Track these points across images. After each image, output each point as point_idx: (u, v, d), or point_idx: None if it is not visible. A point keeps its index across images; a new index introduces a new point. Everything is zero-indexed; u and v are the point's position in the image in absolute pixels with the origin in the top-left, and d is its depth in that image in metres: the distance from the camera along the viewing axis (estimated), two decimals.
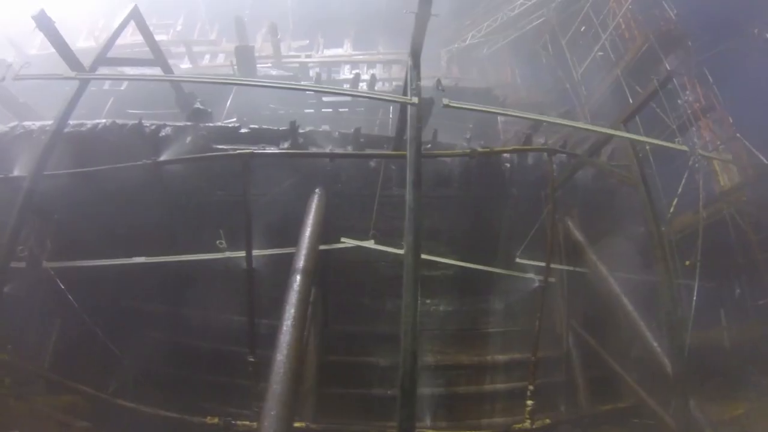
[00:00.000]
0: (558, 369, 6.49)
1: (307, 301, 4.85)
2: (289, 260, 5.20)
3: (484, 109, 5.91)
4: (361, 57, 12.32)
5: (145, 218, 5.93)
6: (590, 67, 11.20)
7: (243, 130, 6.22)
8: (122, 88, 9.95)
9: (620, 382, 6.28)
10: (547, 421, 6.04)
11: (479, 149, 6.10)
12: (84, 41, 12.38)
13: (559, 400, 6.43)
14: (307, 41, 12.45)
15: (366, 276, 6.68)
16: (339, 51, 12.44)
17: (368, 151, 6.36)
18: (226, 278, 5.77)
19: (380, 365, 6.50)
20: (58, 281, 5.66)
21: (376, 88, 10.44)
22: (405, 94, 5.43)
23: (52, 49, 11.72)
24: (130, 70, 7.88)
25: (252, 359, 5.30)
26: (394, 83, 11.53)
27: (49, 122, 6.23)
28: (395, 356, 5.87)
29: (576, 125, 7.10)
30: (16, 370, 5.47)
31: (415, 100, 4.64)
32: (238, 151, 5.20)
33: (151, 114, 7.93)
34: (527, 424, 5.80)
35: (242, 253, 5.24)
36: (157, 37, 8.94)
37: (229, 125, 6.18)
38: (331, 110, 9.96)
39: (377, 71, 11.83)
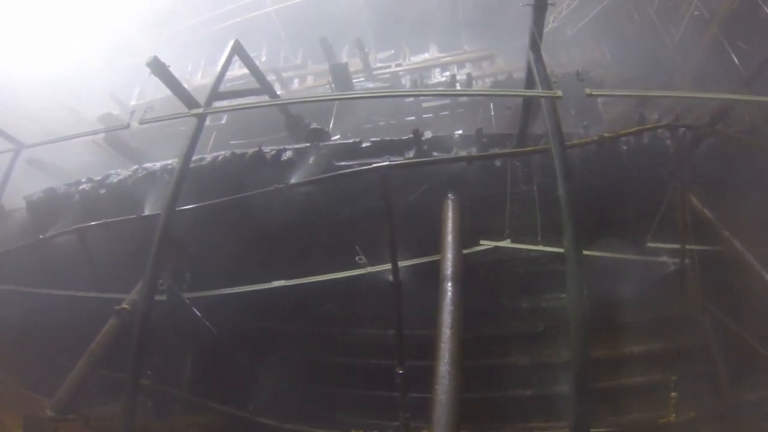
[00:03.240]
0: (698, 358, 5.96)
1: (461, 307, 4.74)
2: (427, 269, 5.31)
3: (628, 93, 6.21)
4: (448, 58, 11.88)
5: (277, 242, 5.94)
6: (683, 31, 10.12)
7: (365, 144, 6.05)
8: (222, 122, 10.17)
9: None
10: (692, 414, 5.56)
11: (606, 134, 5.85)
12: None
13: (701, 391, 5.87)
14: (393, 51, 12.23)
15: (501, 276, 6.37)
16: (426, 56, 12.09)
17: (510, 150, 6.03)
18: (365, 292, 5.75)
19: (519, 366, 6.19)
20: (195, 310, 5.85)
21: (473, 86, 10.04)
22: (529, 88, 5.71)
23: (149, 99, 12.41)
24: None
25: (401, 371, 5.19)
26: (487, 80, 11.00)
27: (169, 161, 6.38)
28: (534, 356, 6.00)
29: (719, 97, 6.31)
30: (156, 394, 5.99)
31: (560, 93, 4.67)
32: (374, 165, 5.06)
33: (256, 142, 8.01)
34: (672, 418, 5.43)
35: (385, 267, 5.27)
36: (245, 71, 9.06)
37: (350, 141, 5.96)
38: (431, 115, 9.64)
39: (468, 70, 11.31)
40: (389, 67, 11.29)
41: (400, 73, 11.14)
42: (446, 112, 9.76)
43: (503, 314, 6.44)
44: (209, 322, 5.87)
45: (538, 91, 5.19)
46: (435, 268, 5.31)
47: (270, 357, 6.24)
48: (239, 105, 5.64)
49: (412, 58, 11.91)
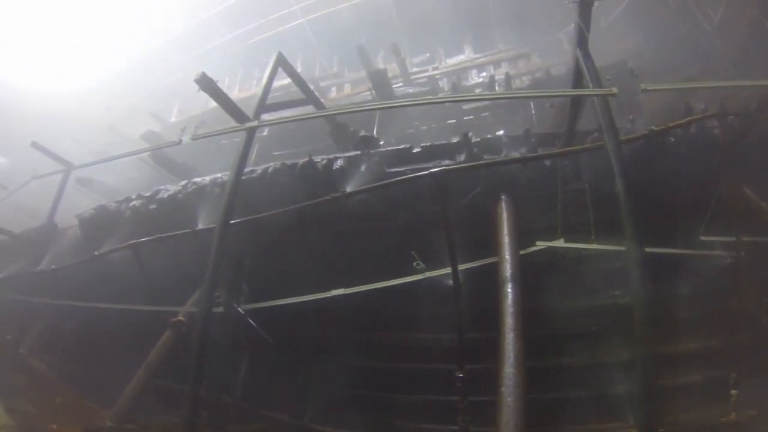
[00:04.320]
0: (757, 354, 5.69)
1: (522, 308, 4.71)
2: (482, 271, 5.30)
3: (683, 86, 6.12)
4: (484, 59, 11.75)
5: (332, 250, 5.94)
6: (722, 14, 9.73)
7: (415, 150, 5.98)
8: (264, 134, 10.25)
9: None
10: (753, 412, 5.38)
11: (655, 128, 5.69)
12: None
13: (762, 388, 5.56)
14: (428, 54, 12.16)
15: (553, 276, 6.17)
16: (461, 57, 11.97)
17: (564, 148, 5.91)
18: (421, 297, 5.72)
19: (574, 366, 6.04)
20: (251, 321, 5.89)
21: (512, 85, 9.90)
22: (577, 86, 5.77)
23: (188, 116, 12.62)
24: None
25: (461, 374, 5.19)
26: (524, 78, 10.84)
27: (218, 175, 6.45)
28: (589, 356, 5.84)
29: None
30: (211, 403, 5.98)
31: (615, 90, 4.73)
32: (430, 170, 5.01)
33: (299, 152, 8.06)
34: (732, 416, 5.32)
35: (443, 271, 5.27)
36: (284, 82, 9.13)
37: (401, 147, 5.94)
38: (472, 117, 9.51)
39: (505, 69, 11.17)
40: (426, 71, 11.22)
41: (437, 76, 11.06)
42: (486, 113, 9.60)
43: (556, 314, 6.27)
44: (265, 332, 5.90)
45: (594, 90, 5.15)
46: (490, 270, 5.26)
47: (326, 364, 6.25)
48: (291, 117, 5.65)
49: (447, 61, 11.81)
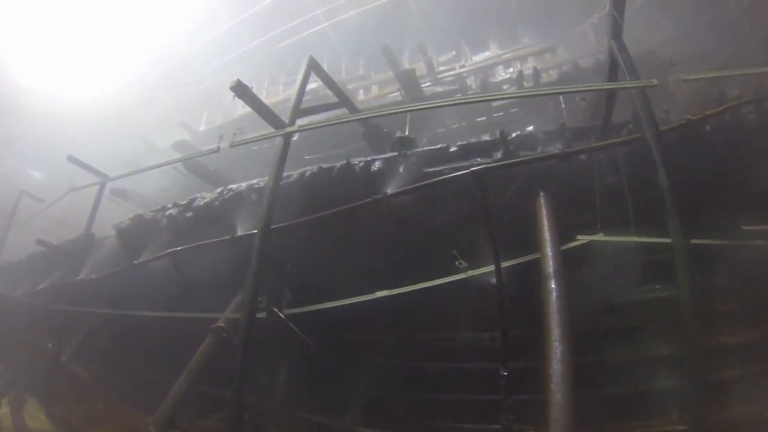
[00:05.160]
0: None
1: (567, 304, 4.66)
2: (523, 268, 5.24)
3: (723, 74, 5.73)
4: (510, 54, 11.63)
5: (372, 252, 5.90)
6: None
7: (452, 149, 5.93)
8: (295, 138, 10.23)
9: None
10: None
11: (692, 117, 5.57)
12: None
13: None
14: (453, 52, 12.08)
15: (592, 271, 5.91)
16: (487, 54, 11.88)
17: (604, 142, 5.78)
18: (462, 296, 5.64)
19: (615, 362, 5.85)
20: (292, 326, 5.86)
21: (540, 80, 9.78)
22: (612, 78, 5.80)
23: (217, 124, 12.76)
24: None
25: (505, 373, 5.06)
26: (551, 72, 10.69)
27: (254, 181, 6.48)
28: (630, 352, 5.70)
29: None
30: (252, 407, 5.93)
31: (655, 81, 4.71)
32: (472, 169, 4.95)
33: (330, 155, 8.07)
34: None
35: (486, 269, 5.21)
36: (312, 86, 9.14)
37: (437, 146, 5.89)
38: (502, 114, 9.41)
39: (531, 64, 11.04)
40: (453, 69, 11.13)
41: (464, 74, 10.96)
42: (516, 109, 9.51)
43: (596, 310, 6.09)
44: (306, 335, 5.89)
45: (634, 82, 5.10)
46: (530, 267, 5.23)
47: (367, 366, 6.22)
48: (328, 121, 5.62)
49: (473, 58, 11.73)
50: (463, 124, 9.26)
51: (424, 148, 5.94)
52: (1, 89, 16.82)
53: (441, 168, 5.66)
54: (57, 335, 8.69)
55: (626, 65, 5.53)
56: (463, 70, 11.03)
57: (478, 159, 5.73)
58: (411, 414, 6.12)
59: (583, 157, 6.08)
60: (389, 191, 5.23)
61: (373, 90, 12.09)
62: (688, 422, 3.84)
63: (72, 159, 9.78)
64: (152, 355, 7.75)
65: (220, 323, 6.16)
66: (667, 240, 4.89)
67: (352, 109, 6.82)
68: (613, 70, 5.92)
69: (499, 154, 5.83)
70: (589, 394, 5.84)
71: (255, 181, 6.42)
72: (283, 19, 14.45)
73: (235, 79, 5.55)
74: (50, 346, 8.83)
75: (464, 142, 5.98)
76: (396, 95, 10.12)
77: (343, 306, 5.65)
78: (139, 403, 7.10)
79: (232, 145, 5.45)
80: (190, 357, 6.12)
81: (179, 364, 6.18)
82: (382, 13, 13.08)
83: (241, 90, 5.54)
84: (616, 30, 5.80)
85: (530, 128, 9.22)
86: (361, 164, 5.80)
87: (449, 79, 10.75)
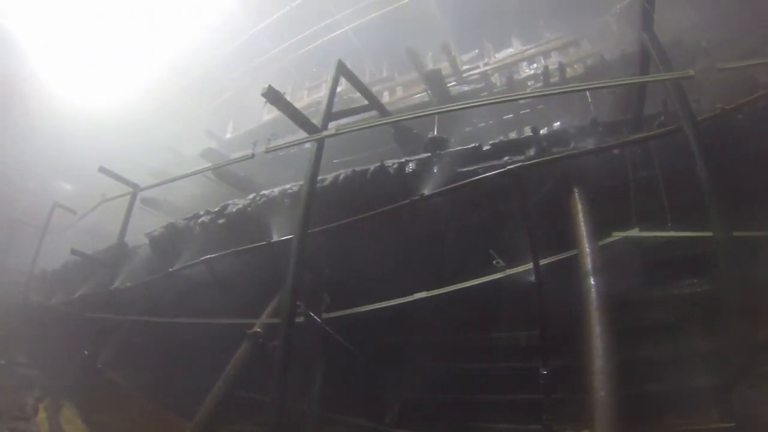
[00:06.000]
0: None
1: (607, 300, 4.63)
2: (559, 265, 5.17)
3: (760, 62, 5.40)
4: (533, 50, 11.47)
5: (408, 254, 5.87)
6: None
7: (485, 148, 5.88)
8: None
9: None
10: None
11: (725, 106, 5.35)
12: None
13: None
14: (476, 51, 11.97)
15: (628, 267, 5.77)
16: (510, 51, 11.74)
17: (640, 135, 5.65)
18: (499, 295, 5.62)
19: (653, 360, 5.71)
20: (330, 331, 5.86)
21: (566, 74, 9.64)
22: (644, 69, 5.75)
23: (243, 131, 12.84)
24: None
25: (545, 371, 5.06)
26: (576, 66, 10.53)
27: (287, 186, 6.51)
28: (669, 349, 5.55)
29: None
30: (289, 410, 5.70)
31: (692, 72, 4.62)
32: (509, 167, 4.94)
33: (360, 158, 8.06)
34: None
35: (524, 267, 5.18)
36: (338, 89, 9.14)
37: (470, 146, 5.86)
38: (528, 110, 9.30)
39: (555, 59, 10.89)
40: (477, 67, 11.02)
41: (489, 72, 10.85)
42: (542, 106, 9.39)
43: (633, 306, 5.96)
44: (344, 338, 5.89)
45: (670, 74, 5.05)
46: (565, 264, 5.20)
47: (404, 367, 6.21)
48: (362, 123, 5.62)
49: (496, 56, 11.58)
50: (490, 122, 9.19)
51: (457, 148, 5.91)
52: (33, 106, 17.26)
53: (475, 167, 5.62)
54: (92, 342, 8.87)
55: (659, 57, 5.45)
56: (487, 68, 10.90)
57: (512, 157, 5.68)
58: (448, 415, 6.09)
59: (615, 151, 6.03)
60: (426, 192, 5.21)
61: (398, 92, 12.06)
62: (732, 420, 3.69)
63: (103, 170, 9.97)
64: (187, 360, 7.84)
65: (257, 328, 6.20)
66: (708, 233, 4.82)
67: (383, 111, 6.81)
68: (644, 62, 5.83)
69: (532, 152, 5.77)
70: (627, 393, 5.87)
71: (288, 186, 6.46)
72: (304, 25, 14.52)
73: (266, 85, 5.57)
74: (86, 353, 9.02)
75: (497, 141, 5.94)
76: (422, 96, 10.10)
77: (381, 308, 5.66)
78: (175, 409, 7.20)
79: (266, 151, 5.48)
80: (224, 362, 6.18)
81: (215, 369, 6.24)
82: (402, 14, 13.05)
83: (273, 96, 5.57)
84: (648, 21, 5.68)
85: (557, 124, 9.17)
86: (395, 166, 5.79)
87: (474, 77, 10.66)
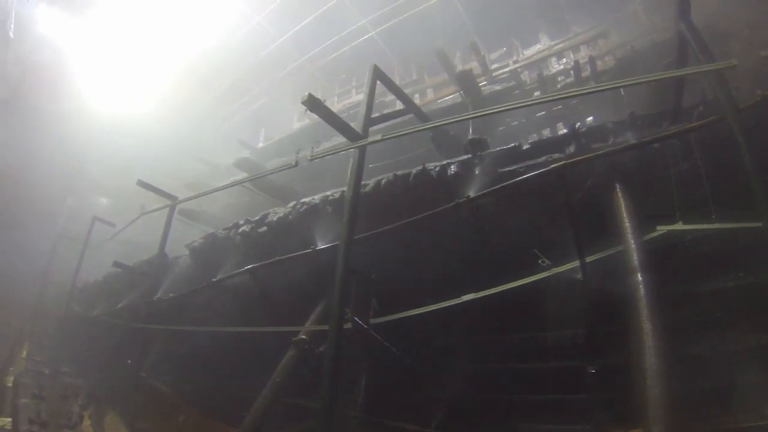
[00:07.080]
0: None
1: (656, 296, 4.52)
2: (602, 262, 5.06)
3: None
4: (561, 45, 11.29)
5: (452, 257, 5.83)
6: None
7: (525, 147, 5.82)
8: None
9: None
10: None
11: (765, 93, 5.04)
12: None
13: None
14: (504, 49, 11.88)
15: (671, 261, 5.71)
16: (538, 47, 11.58)
17: (682, 127, 5.50)
18: (543, 294, 5.52)
19: (698, 356, 5.45)
20: (378, 336, 5.80)
21: (597, 68, 9.51)
22: (682, 59, 5.64)
23: (275, 139, 12.90)
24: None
25: (593, 370, 5.10)
26: (606, 59, 10.36)
27: (328, 193, 6.55)
28: (715, 344, 5.33)
29: None
30: (336, 415, 5.63)
31: (735, 62, 4.50)
32: (552, 165, 4.89)
33: (396, 162, 8.06)
34: None
35: (569, 265, 5.09)
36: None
37: (510, 146, 5.83)
38: (561, 106, 9.18)
39: (585, 52, 10.74)
40: (506, 65, 10.95)
41: (518, 69, 10.77)
42: (575, 101, 9.26)
43: (677, 301, 5.69)
44: (391, 342, 5.87)
45: (712, 65, 4.87)
46: (608, 261, 5.09)
47: (450, 370, 6.19)
48: (404, 129, 5.59)
49: (525, 52, 11.45)
50: (523, 120, 9.11)
51: (498, 149, 5.87)
52: (71, 125, 17.73)
53: (516, 167, 5.58)
54: (136, 351, 9.08)
55: (699, 47, 5.28)
56: (516, 65, 10.81)
57: (551, 155, 5.59)
58: (494, 417, 6.03)
59: (656, 144, 5.93)
60: (471, 194, 5.18)
61: (429, 93, 12.06)
62: None
63: (141, 183, 10.19)
64: (231, 368, 7.95)
65: (302, 335, 6.25)
66: (757, 224, 4.61)
67: (419, 114, 6.81)
68: (682, 52, 5.69)
69: (571, 149, 5.70)
70: (674, 390, 5.76)
71: (329, 193, 6.49)
72: (331, 31, 14.60)
73: (306, 93, 5.60)
74: (129, 362, 9.23)
75: (536, 139, 5.91)
76: (454, 97, 10.04)
77: (426, 311, 5.64)
78: (220, 417, 7.30)
79: (311, 159, 5.53)
80: (266, 369, 6.26)
81: (256, 377, 6.35)
82: (428, 16, 13.01)
83: (313, 103, 5.59)
84: (684, 9, 5.53)
85: (590, 119, 9.04)
86: (437, 169, 5.77)
87: (504, 76, 10.59)
